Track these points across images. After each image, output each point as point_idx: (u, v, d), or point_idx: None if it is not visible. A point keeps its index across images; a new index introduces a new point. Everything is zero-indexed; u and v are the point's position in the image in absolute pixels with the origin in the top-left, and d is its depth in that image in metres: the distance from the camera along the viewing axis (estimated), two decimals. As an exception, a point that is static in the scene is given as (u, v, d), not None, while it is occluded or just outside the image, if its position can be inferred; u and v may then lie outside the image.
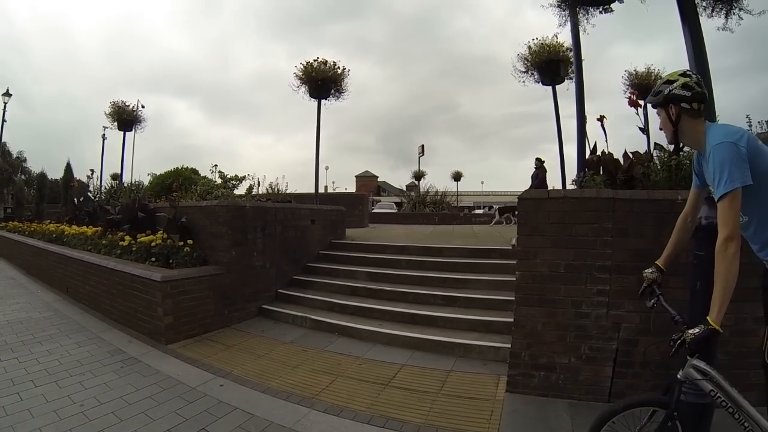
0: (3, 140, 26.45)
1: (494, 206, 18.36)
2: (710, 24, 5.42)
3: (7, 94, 23.43)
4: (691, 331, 2.02)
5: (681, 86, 2.25)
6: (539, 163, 13.75)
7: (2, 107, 23.35)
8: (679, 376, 2.24)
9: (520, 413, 3.42)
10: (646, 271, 2.50)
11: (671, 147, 2.53)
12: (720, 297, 1.99)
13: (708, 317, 1.99)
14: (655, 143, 4.71)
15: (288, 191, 10.07)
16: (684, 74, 2.31)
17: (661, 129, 2.46)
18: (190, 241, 6.27)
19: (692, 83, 2.26)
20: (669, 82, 2.30)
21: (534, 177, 13.77)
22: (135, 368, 4.50)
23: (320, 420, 3.42)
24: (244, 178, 10.61)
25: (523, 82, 10.03)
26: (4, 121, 23.48)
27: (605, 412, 2.43)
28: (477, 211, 37.48)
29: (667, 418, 2.25)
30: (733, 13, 5.43)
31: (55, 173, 23.29)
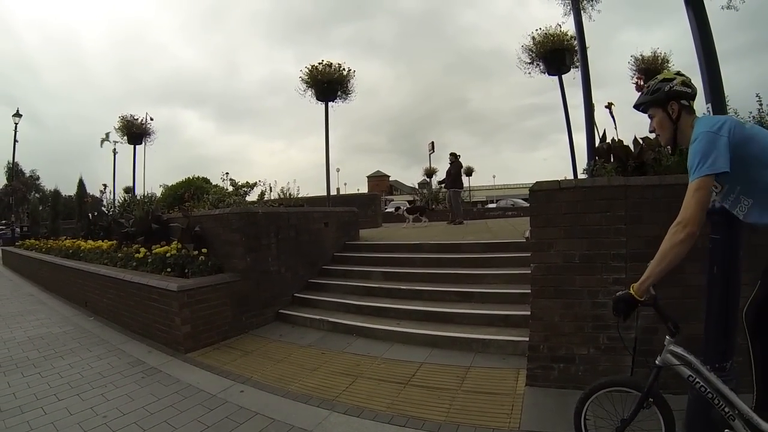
0: (15, 160, 26.71)
1: (402, 207, 17.67)
2: (715, 3, 5.37)
3: (18, 114, 23.72)
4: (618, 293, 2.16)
5: (681, 83, 2.25)
6: (453, 158, 13.57)
7: (13, 128, 23.65)
8: (657, 361, 2.26)
9: (541, 406, 3.40)
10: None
11: (668, 149, 2.50)
12: (649, 270, 2.07)
13: (632, 284, 2.11)
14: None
15: (300, 195, 10.08)
16: (679, 73, 2.33)
17: (652, 132, 2.48)
18: (204, 250, 6.30)
19: (689, 81, 2.28)
20: (667, 80, 2.29)
21: (448, 173, 13.71)
22: (155, 378, 4.53)
23: (341, 422, 3.42)
24: (255, 184, 10.63)
25: (529, 73, 9.97)
26: (15, 141, 23.79)
27: (585, 392, 2.52)
28: (490, 206, 37.37)
29: (641, 401, 2.28)
30: (737, -10, 5.35)
31: (69, 189, 23.60)
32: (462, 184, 14.27)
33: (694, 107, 2.32)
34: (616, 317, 2.18)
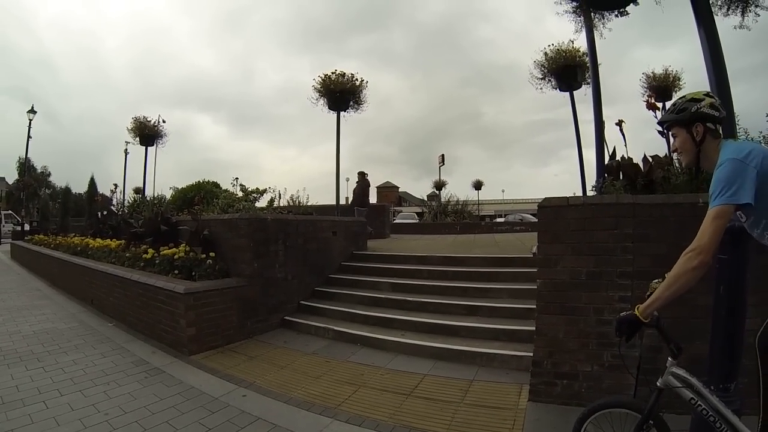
0: (27, 156, 26.92)
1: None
2: (727, 23, 5.36)
3: (32, 111, 23.89)
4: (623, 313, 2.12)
5: (709, 106, 2.17)
6: (360, 177, 13.55)
7: (27, 124, 23.84)
8: (658, 383, 2.22)
9: (543, 422, 3.40)
10: (653, 282, 2.34)
11: (687, 170, 2.44)
12: (658, 293, 2.01)
13: (638, 305, 2.07)
14: (675, 147, 4.66)
15: (309, 203, 10.12)
16: (708, 95, 2.24)
17: (675, 151, 2.40)
18: (212, 254, 6.33)
19: (718, 105, 2.20)
20: (695, 100, 2.21)
21: (353, 191, 13.71)
22: (158, 378, 4.55)
23: (342, 430, 3.43)
24: (265, 191, 10.69)
25: (541, 89, 9.99)
26: (29, 137, 23.96)
27: (584, 412, 2.49)
28: (498, 220, 37.30)
29: (641, 424, 2.24)
30: (750, 10, 5.34)
31: (80, 188, 23.80)
32: (366, 203, 14.16)
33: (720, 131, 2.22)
34: (618, 337, 2.15)
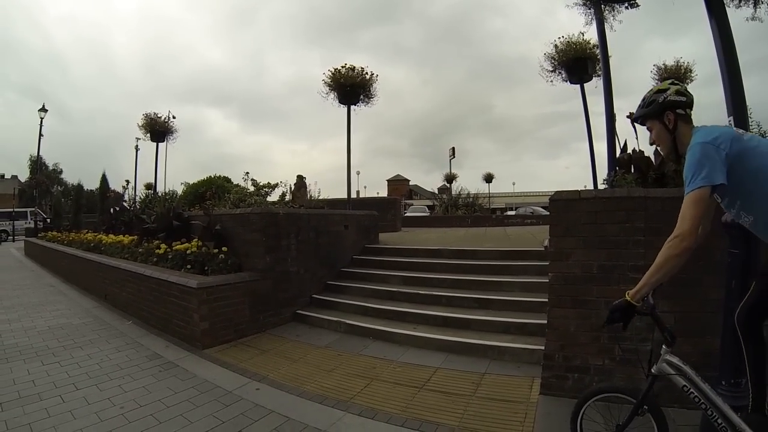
0: (39, 153, 27.13)
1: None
2: (739, 14, 5.30)
3: (43, 109, 24.06)
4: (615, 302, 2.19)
5: (675, 93, 2.26)
6: (298, 180, 13.44)
7: (39, 122, 24.01)
8: (653, 370, 2.28)
9: (554, 415, 3.39)
10: None
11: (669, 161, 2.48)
12: (644, 279, 2.09)
13: (627, 292, 2.14)
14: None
15: (321, 197, 10.15)
16: (673, 83, 2.34)
17: (653, 144, 2.47)
18: (224, 249, 6.37)
19: (683, 90, 2.29)
20: (661, 90, 2.30)
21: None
22: (172, 372, 4.59)
23: (355, 422, 3.45)
24: (276, 185, 10.74)
25: (551, 81, 9.94)
26: (41, 135, 24.15)
27: (580, 398, 2.59)
28: (509, 213, 37.17)
29: (636, 409, 2.31)
30: (762, 2, 5.29)
31: (92, 184, 23.91)
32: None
33: (692, 117, 2.31)
34: (608, 325, 2.22)
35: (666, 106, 2.26)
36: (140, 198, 15.21)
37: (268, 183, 10.56)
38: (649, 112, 2.34)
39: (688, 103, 2.27)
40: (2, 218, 31.69)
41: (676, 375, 2.24)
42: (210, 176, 13.05)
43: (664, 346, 2.26)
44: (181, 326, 5.68)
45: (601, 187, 6.37)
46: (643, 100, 2.38)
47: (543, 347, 3.90)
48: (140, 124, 16.71)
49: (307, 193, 10.69)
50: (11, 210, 30.80)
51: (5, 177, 59.53)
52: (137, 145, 26.51)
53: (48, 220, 22.96)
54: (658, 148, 2.49)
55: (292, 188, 12.37)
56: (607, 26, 6.62)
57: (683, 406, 3.25)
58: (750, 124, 4.18)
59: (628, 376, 3.51)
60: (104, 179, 17.63)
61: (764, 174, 2.02)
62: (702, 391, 2.17)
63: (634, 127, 4.92)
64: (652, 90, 2.37)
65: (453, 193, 27.44)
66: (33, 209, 27.95)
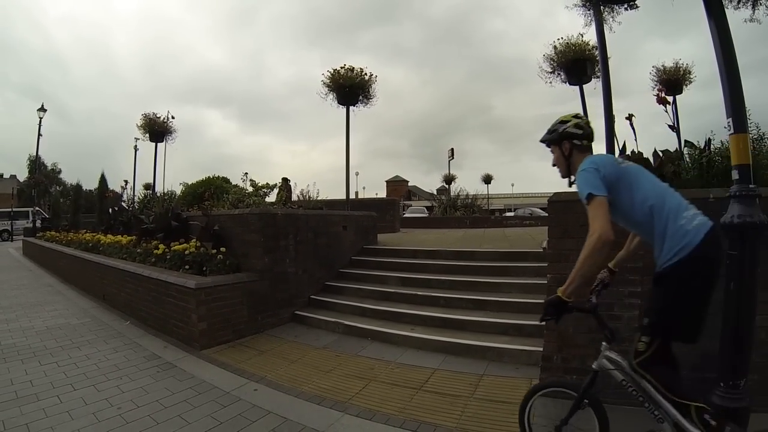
0: (38, 153, 27.07)
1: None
2: (738, 16, 5.30)
3: (42, 109, 23.94)
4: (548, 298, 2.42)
5: (574, 126, 2.61)
6: (283, 182, 13.45)
7: (38, 122, 23.94)
8: (594, 365, 2.48)
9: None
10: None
11: (566, 181, 2.70)
12: (571, 275, 2.28)
13: (559, 288, 2.35)
14: (686, 141, 4.63)
15: (319, 198, 10.14)
16: (576, 116, 2.68)
17: (554, 165, 2.74)
18: (223, 249, 6.36)
19: (583, 124, 2.63)
20: (563, 122, 2.65)
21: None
22: (170, 373, 4.59)
23: (352, 424, 3.45)
24: (275, 186, 10.73)
25: (550, 82, 9.92)
26: (39, 135, 24.06)
27: (528, 392, 2.83)
28: (508, 214, 37.17)
29: (578, 402, 2.51)
30: (760, 3, 5.29)
31: (90, 184, 23.87)
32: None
33: (591, 146, 2.67)
34: (546, 320, 2.41)
35: (564, 136, 2.62)
36: (139, 198, 15.20)
37: (267, 183, 10.56)
38: (550, 139, 2.69)
39: (585, 136, 2.62)
40: (2, 218, 31.71)
41: (615, 370, 2.42)
42: (209, 177, 13.02)
43: (604, 343, 2.46)
44: (179, 327, 5.67)
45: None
46: (550, 126, 2.72)
47: (541, 349, 3.90)
48: (139, 125, 16.63)
49: (291, 195, 10.74)
50: (13, 209, 30.84)
51: (4, 176, 59.56)
52: (136, 146, 26.40)
53: (37, 220, 23.01)
54: (557, 169, 2.74)
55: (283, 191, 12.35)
56: (606, 27, 6.61)
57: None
58: (749, 125, 4.18)
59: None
60: (103, 179, 17.59)
61: (624, 194, 2.39)
62: (639, 385, 2.32)
63: (633, 128, 4.93)
64: (557, 120, 2.70)
65: (452, 194, 27.41)
66: (35, 209, 27.92)
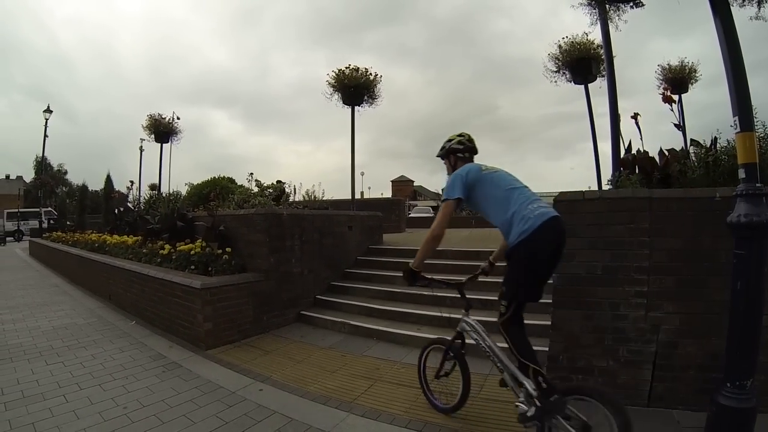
0: (44, 155, 27.17)
1: None
2: (743, 14, 5.27)
3: (48, 110, 24.01)
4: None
5: (456, 143, 3.37)
6: (277, 184, 13.40)
7: (44, 123, 24.01)
8: (457, 328, 3.42)
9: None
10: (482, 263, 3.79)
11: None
12: (418, 255, 3.16)
13: (410, 261, 3.16)
14: (692, 139, 4.60)
15: (325, 198, 10.12)
16: (460, 135, 3.43)
17: (448, 174, 3.36)
18: (228, 249, 6.37)
19: (464, 140, 3.39)
20: (449, 140, 3.41)
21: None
22: (176, 373, 4.60)
23: (358, 424, 3.45)
24: (278, 186, 10.70)
25: (555, 81, 9.89)
26: (46, 136, 24.14)
27: (423, 347, 3.85)
28: None
29: (445, 354, 3.54)
30: (766, 1, 5.25)
31: (96, 185, 23.97)
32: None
33: (472, 157, 3.42)
34: (408, 284, 3.26)
35: (450, 152, 3.40)
36: (144, 199, 15.22)
37: (272, 183, 10.55)
38: (441, 154, 3.48)
39: (467, 149, 3.37)
40: (13, 218, 31.90)
41: (470, 332, 3.30)
42: (214, 177, 13.00)
43: (463, 311, 3.43)
44: (185, 327, 5.68)
45: (605, 187, 6.34)
46: (442, 145, 3.46)
47: (547, 348, 3.88)
48: (144, 125, 16.65)
49: (288, 197, 10.77)
50: (25, 209, 31.04)
51: (10, 177, 59.86)
52: (142, 146, 26.58)
53: (44, 221, 23.14)
54: None
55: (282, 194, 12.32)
56: (611, 26, 6.58)
57: (688, 407, 3.26)
58: (755, 124, 4.15)
59: (632, 377, 3.50)
60: (109, 180, 17.65)
61: (484, 193, 3.03)
62: (486, 343, 3.17)
63: (639, 127, 4.91)
64: (446, 139, 3.46)
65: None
66: (48, 209, 28.06)
